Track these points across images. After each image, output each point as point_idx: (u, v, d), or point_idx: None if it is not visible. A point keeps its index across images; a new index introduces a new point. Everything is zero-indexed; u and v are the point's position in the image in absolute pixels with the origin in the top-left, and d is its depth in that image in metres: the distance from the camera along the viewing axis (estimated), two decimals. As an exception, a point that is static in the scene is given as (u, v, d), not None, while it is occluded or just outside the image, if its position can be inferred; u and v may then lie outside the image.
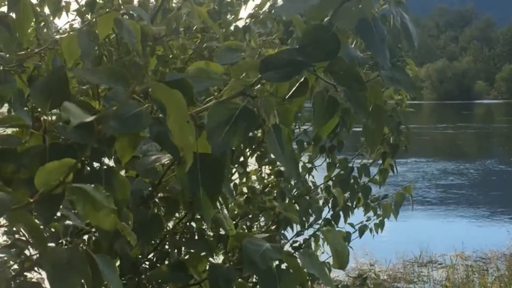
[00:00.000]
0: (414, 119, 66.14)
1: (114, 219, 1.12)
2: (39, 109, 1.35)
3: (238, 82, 1.35)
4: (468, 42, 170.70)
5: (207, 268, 2.18)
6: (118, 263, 2.00)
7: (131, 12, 2.02)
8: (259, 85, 1.36)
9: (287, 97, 1.48)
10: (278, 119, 1.36)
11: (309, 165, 4.36)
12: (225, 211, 3.01)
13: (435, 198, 20.03)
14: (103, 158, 1.40)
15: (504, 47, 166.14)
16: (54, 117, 1.36)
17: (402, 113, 4.27)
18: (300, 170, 4.27)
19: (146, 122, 1.20)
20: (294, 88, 1.48)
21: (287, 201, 3.93)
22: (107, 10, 2.18)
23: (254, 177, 4.03)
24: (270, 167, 4.00)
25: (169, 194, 1.94)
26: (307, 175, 4.32)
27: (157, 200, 1.97)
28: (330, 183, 4.37)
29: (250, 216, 3.82)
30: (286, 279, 1.74)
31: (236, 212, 3.87)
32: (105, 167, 1.37)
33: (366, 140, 1.59)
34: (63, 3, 3.52)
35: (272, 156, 3.68)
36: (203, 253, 2.26)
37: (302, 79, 1.47)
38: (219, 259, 3.24)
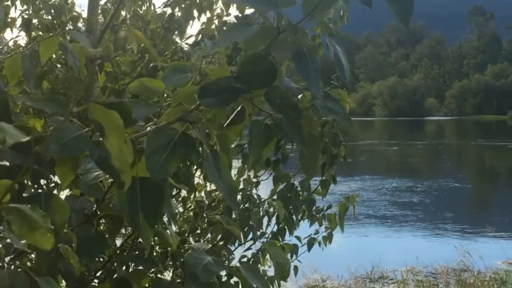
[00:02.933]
0: (366, 136, 66.83)
1: (51, 238, 1.13)
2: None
3: (177, 108, 1.37)
4: (419, 60, 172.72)
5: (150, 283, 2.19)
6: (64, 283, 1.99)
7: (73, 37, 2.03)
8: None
9: (225, 125, 1.50)
10: (217, 146, 1.39)
11: (255, 180, 4.38)
12: (173, 227, 3.03)
13: (387, 214, 20.23)
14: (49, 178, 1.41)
15: (453, 65, 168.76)
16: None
17: (340, 124, 4.30)
18: (245, 185, 4.30)
19: (86, 145, 1.21)
20: (232, 116, 1.51)
21: (233, 216, 3.96)
22: (51, 34, 2.19)
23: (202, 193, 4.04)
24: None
25: (112, 212, 1.95)
26: (253, 189, 4.34)
27: (101, 219, 1.97)
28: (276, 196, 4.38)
29: (199, 231, 3.84)
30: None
31: (184, 228, 3.88)
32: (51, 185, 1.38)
33: (302, 168, 1.63)
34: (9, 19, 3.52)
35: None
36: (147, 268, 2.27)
37: (240, 108, 1.50)
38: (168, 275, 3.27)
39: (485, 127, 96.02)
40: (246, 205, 4.15)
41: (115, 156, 1.22)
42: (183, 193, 3.87)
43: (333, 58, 1.39)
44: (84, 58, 1.78)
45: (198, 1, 4.24)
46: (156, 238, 2.74)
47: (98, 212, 1.96)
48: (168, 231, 2.31)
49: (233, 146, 3.64)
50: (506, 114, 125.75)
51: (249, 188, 4.30)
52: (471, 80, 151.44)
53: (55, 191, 2.19)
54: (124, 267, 2.45)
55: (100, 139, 1.27)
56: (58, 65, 3.11)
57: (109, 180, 1.90)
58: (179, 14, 4.23)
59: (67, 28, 3.26)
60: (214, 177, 1.36)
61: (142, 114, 1.40)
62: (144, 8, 4.24)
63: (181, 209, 4.02)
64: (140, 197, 1.35)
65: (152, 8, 4.30)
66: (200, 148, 1.97)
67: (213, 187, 4.04)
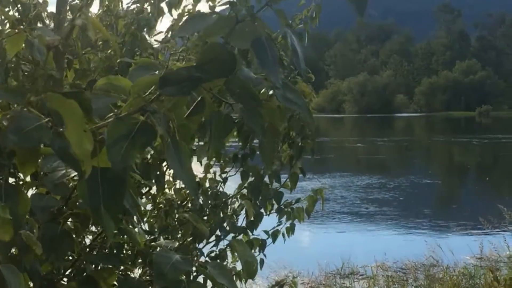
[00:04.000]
0: (336, 132, 67.16)
1: (10, 229, 1.12)
2: None
3: (137, 99, 1.37)
4: (388, 56, 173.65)
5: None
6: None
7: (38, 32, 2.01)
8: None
9: (185, 115, 1.51)
10: (178, 136, 1.39)
11: (223, 175, 4.37)
12: (142, 225, 3.01)
13: (357, 210, 20.35)
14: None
15: (422, 62, 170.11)
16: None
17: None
18: (210, 183, 4.28)
19: (46, 136, 1.20)
20: (192, 107, 1.52)
21: (206, 212, 3.96)
22: (16, 30, 2.17)
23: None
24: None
25: (79, 210, 1.94)
26: (221, 185, 4.32)
27: (68, 217, 1.96)
28: (245, 191, 4.36)
29: (169, 229, 3.82)
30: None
31: (153, 226, 3.86)
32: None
33: (262, 157, 1.64)
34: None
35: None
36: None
37: (200, 98, 1.51)
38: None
39: (454, 123, 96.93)
40: (214, 202, 4.13)
41: (75, 145, 1.22)
42: (153, 190, 3.85)
43: (290, 48, 1.40)
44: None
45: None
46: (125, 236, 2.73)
47: (65, 210, 1.94)
48: (136, 229, 2.30)
49: (202, 143, 3.63)
50: (474, 110, 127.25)
51: (216, 186, 4.28)
52: (439, 76, 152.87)
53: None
54: (94, 266, 2.44)
55: (61, 129, 1.25)
56: (25, 63, 3.08)
57: (76, 178, 1.88)
58: (149, 9, 4.20)
59: (37, 25, 3.24)
60: (176, 166, 1.36)
61: (102, 105, 1.39)
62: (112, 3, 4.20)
63: (150, 207, 4.00)
64: (102, 188, 1.34)
65: (121, 4, 4.26)
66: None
67: (183, 185, 4.01)
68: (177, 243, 3.59)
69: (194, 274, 2.94)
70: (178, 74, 1.35)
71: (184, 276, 1.88)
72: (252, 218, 4.28)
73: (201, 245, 4.02)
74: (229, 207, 4.23)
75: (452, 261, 11.31)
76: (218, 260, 4.02)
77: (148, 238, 3.34)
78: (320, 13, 4.73)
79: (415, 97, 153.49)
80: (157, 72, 1.53)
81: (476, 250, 11.79)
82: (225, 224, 4.13)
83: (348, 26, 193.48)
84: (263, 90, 1.64)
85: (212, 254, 4.15)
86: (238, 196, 4.35)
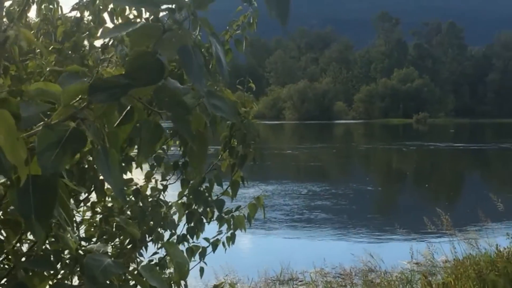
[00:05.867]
0: (277, 139, 67.46)
1: None
2: None
3: (68, 106, 1.38)
4: (328, 64, 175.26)
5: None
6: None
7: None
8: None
9: (116, 124, 1.52)
10: (108, 142, 1.40)
11: (164, 183, 4.35)
12: (77, 232, 2.98)
13: (297, 217, 20.47)
14: None
15: (361, 69, 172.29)
16: None
17: (251, 124, 4.29)
18: (152, 192, 4.25)
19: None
20: (122, 116, 1.53)
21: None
22: None
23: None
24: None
25: (10, 216, 1.92)
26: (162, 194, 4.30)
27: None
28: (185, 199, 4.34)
29: (106, 236, 3.79)
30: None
31: (91, 233, 3.83)
32: None
33: (191, 163, 1.67)
34: None
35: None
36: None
37: (129, 108, 1.52)
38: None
39: (392, 130, 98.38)
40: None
41: (9, 153, 1.22)
42: (93, 198, 3.81)
43: (214, 55, 1.43)
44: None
45: (109, 9, 4.18)
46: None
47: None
48: (69, 234, 2.28)
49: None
50: (411, 117, 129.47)
51: (158, 194, 4.26)
52: (378, 84, 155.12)
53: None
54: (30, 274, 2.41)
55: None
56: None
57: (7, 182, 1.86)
58: (90, 18, 4.17)
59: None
60: (105, 172, 1.39)
61: (32, 112, 1.40)
62: (51, 9, 4.15)
63: (89, 214, 3.96)
64: (33, 195, 1.35)
65: (60, 11, 4.22)
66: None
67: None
68: (116, 249, 3.59)
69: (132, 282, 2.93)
70: (107, 82, 1.37)
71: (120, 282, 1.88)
72: (180, 220, 4.28)
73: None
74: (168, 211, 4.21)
75: (389, 267, 11.48)
76: (157, 268, 3.99)
77: (85, 244, 3.31)
78: (258, 19, 4.76)
79: (354, 104, 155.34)
80: (86, 79, 1.54)
81: (414, 255, 11.99)
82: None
83: (287, 34, 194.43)
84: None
85: (152, 263, 4.12)
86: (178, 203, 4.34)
